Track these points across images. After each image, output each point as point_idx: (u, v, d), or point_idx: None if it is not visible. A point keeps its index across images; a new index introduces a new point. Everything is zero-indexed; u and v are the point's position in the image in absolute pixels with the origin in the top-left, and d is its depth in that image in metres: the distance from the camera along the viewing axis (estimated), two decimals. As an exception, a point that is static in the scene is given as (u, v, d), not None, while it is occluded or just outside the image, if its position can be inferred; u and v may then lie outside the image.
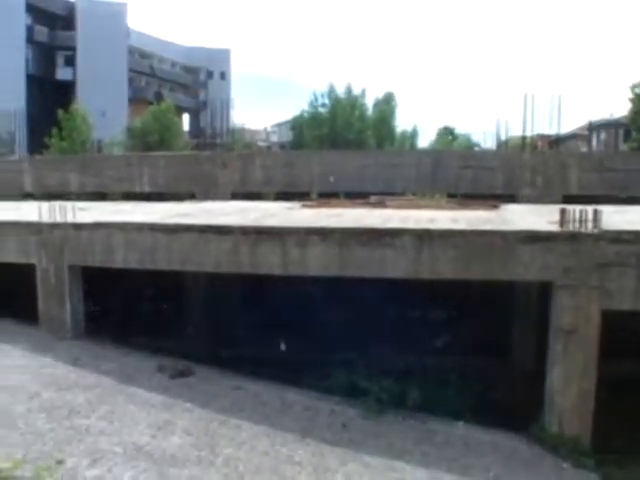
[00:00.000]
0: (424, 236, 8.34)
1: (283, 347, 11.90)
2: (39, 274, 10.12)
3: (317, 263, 8.63)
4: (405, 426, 7.75)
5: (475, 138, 53.43)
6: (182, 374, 8.60)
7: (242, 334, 12.47)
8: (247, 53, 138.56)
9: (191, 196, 15.75)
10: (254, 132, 67.10)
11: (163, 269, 9.55)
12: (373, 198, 13.92)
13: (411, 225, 9.23)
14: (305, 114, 46.77)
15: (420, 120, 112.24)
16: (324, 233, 8.61)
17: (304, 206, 12.94)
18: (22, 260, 10.43)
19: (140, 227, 9.58)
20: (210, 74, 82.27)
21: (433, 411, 8.20)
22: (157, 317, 12.91)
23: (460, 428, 7.89)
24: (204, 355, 9.87)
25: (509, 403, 9.21)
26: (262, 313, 12.32)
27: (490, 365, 11.22)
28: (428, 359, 10.66)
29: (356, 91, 46.15)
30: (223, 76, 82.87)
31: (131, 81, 66.41)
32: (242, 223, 9.37)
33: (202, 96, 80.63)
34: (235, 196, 15.73)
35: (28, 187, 17.92)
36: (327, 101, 45.56)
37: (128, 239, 9.46)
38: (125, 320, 11.68)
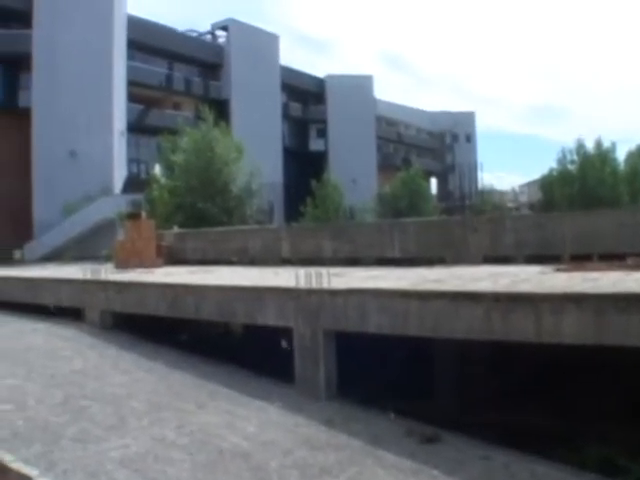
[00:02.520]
0: (691, 301, 7.71)
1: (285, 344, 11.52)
2: (296, 337, 10.55)
3: (572, 331, 8.25)
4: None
5: None
6: (430, 440, 8.46)
7: (490, 400, 12.16)
8: (492, 110, 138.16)
9: (441, 261, 15.80)
10: (502, 193, 66.29)
11: (415, 335, 9.63)
12: (631, 260, 13.15)
13: (675, 289, 8.60)
14: (554, 172, 45.28)
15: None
16: (579, 299, 8.25)
17: (557, 270, 12.50)
18: (280, 323, 11.00)
19: (393, 293, 9.75)
20: (455, 137, 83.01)
21: None
22: (406, 381, 12.92)
23: None
24: (452, 420, 9.72)
25: None
26: (511, 379, 11.97)
27: None
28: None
29: (606, 144, 44.03)
30: (468, 138, 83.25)
31: (379, 148, 68.67)
32: (493, 289, 9.24)
33: (449, 159, 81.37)
34: (486, 260, 15.56)
35: (285, 253, 18.96)
36: (576, 157, 43.82)
37: (381, 305, 9.63)
38: (375, 383, 11.83)
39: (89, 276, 15.69)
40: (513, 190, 75.05)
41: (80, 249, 34.76)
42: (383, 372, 12.61)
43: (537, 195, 53.01)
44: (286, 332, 10.82)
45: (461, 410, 11.29)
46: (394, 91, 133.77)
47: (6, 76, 43.49)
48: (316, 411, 9.49)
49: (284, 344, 13.67)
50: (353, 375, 10.89)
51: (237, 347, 13.49)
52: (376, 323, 9.76)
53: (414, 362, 13.32)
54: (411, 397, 11.54)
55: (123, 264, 19.90)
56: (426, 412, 10.07)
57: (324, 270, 11.06)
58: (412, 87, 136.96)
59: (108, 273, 16.25)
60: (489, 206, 48.42)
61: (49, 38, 41.07)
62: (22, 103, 42.61)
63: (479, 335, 9.01)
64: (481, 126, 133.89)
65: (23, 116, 41.33)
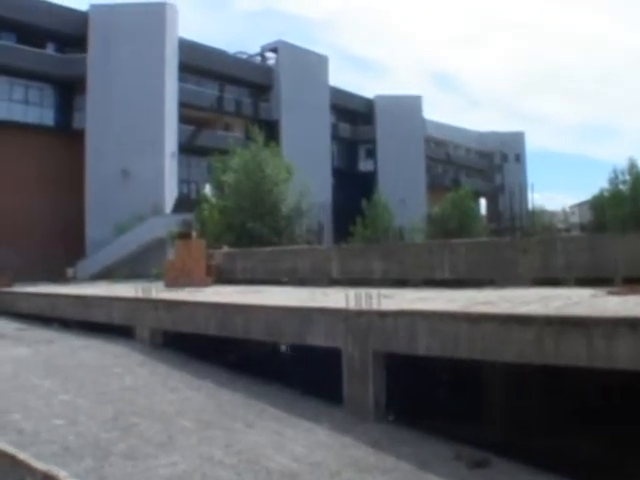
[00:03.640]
0: None
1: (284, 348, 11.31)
2: (345, 358, 10.54)
3: (626, 355, 8.08)
4: None
5: None
6: (479, 465, 8.34)
7: (540, 425, 11.94)
8: (542, 130, 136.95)
9: (491, 282, 15.63)
10: (552, 214, 65.48)
11: (464, 357, 9.54)
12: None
13: None
14: (605, 192, 44.35)
15: None
16: (634, 323, 8.08)
17: (610, 293, 12.29)
18: (329, 344, 10.99)
19: (443, 315, 9.69)
20: (505, 157, 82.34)
21: None
22: (454, 403, 12.81)
23: None
24: (500, 445, 9.58)
25: None
26: (562, 404, 11.75)
27: None
28: None
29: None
30: (518, 158, 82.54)
31: (428, 169, 68.41)
32: (545, 312, 9.13)
33: (498, 180, 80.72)
34: (536, 282, 15.36)
35: (335, 273, 18.95)
36: (628, 177, 42.79)
37: (431, 327, 9.57)
38: (423, 405, 11.73)
39: (140, 294, 15.88)
40: (563, 211, 74.09)
41: (131, 267, 35.23)
42: (432, 394, 12.52)
43: (588, 216, 52.26)
44: (335, 353, 10.79)
45: (510, 434, 11.13)
46: (443, 111, 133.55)
47: (61, 98, 44.58)
48: (364, 432, 9.44)
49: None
50: (401, 397, 10.83)
51: (285, 367, 13.51)
52: (425, 345, 9.71)
53: (463, 384, 13.20)
54: (460, 420, 11.43)
55: (173, 283, 20.11)
56: (475, 435, 9.95)
57: (374, 291, 11.04)
58: (461, 107, 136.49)
59: (158, 292, 16.43)
60: (539, 227, 47.79)
61: (103, 62, 42.05)
62: (76, 125, 43.65)
63: (530, 359, 8.90)
64: (530, 146, 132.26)
65: (77, 137, 42.27)
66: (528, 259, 15.87)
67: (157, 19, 43.59)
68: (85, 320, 17.39)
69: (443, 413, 11.49)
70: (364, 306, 10.55)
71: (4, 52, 40.75)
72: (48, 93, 44.12)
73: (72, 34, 43.51)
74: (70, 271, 36.50)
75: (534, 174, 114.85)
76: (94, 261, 38.63)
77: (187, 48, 46.80)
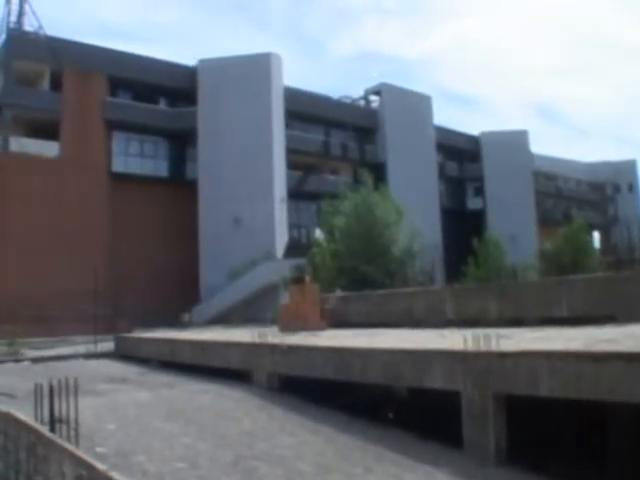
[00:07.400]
0: None
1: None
2: (464, 401, 10.38)
3: None
4: None
5: None
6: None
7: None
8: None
9: (611, 319, 15.08)
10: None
11: (588, 398, 9.22)
12: None
13: None
14: None
15: None
16: None
17: None
18: (448, 386, 10.83)
19: (565, 355, 9.42)
20: (617, 188, 79.84)
21: None
22: (577, 446, 12.34)
23: None
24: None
25: None
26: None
27: None
28: None
29: None
30: (631, 188, 79.77)
31: (538, 204, 67.10)
32: (673, 349, 8.76)
33: (611, 211, 78.30)
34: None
35: (449, 314, 18.73)
36: None
37: (553, 368, 9.31)
38: (545, 448, 11.38)
39: (257, 340, 16.11)
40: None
41: (245, 312, 35.92)
42: (554, 437, 12.12)
43: None
44: (453, 395, 10.63)
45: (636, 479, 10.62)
46: (549, 143, 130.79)
47: (174, 150, 46.47)
48: (485, 477, 9.28)
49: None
50: (523, 440, 10.55)
51: (402, 410, 13.39)
52: (547, 386, 9.45)
53: (586, 427, 12.72)
54: (584, 464, 11.02)
55: (288, 327, 20.31)
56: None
57: (491, 332, 10.85)
58: (567, 138, 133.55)
59: (274, 336, 16.62)
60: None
61: (212, 113, 43.70)
62: (189, 175, 45.33)
63: (659, 399, 8.52)
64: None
65: (190, 187, 43.82)
66: (651, 293, 15.23)
67: (262, 70, 44.94)
68: (203, 365, 17.74)
69: (566, 457, 11.12)
70: (482, 347, 10.38)
71: (121, 109, 43.03)
72: (162, 146, 46.08)
73: (182, 89, 45.54)
74: (186, 316, 37.50)
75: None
76: (209, 306, 39.62)
77: (292, 95, 47.94)
